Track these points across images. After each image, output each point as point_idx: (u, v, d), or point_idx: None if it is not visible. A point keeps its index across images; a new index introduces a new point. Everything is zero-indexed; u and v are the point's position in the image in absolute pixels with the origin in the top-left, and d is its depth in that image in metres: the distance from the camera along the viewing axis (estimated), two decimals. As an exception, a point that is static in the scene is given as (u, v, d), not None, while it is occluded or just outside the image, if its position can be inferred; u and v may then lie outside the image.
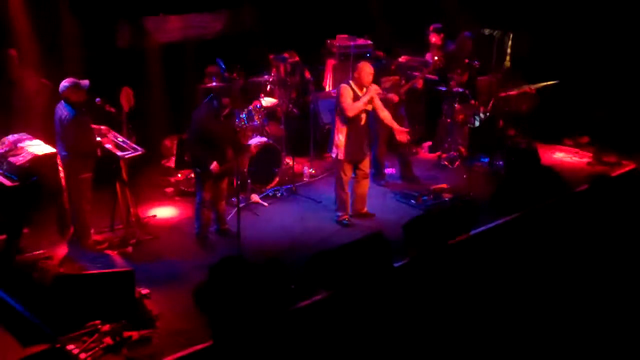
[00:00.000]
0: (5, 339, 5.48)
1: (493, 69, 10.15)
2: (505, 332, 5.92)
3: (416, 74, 9.20)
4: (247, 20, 10.95)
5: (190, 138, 7.55)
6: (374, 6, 11.18)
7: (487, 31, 11.28)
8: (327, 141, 9.03)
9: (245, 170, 8.52)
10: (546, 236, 7.41)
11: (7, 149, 7.07)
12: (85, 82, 7.08)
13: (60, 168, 7.13)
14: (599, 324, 6.00)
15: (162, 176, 9.09)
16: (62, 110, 7.01)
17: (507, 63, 11.28)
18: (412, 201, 8.66)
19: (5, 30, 8.31)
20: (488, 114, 9.58)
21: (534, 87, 9.69)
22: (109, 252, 7.31)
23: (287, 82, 9.92)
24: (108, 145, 7.30)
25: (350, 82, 7.81)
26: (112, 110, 7.45)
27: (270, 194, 8.87)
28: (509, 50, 11.29)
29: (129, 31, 9.81)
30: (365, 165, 8.08)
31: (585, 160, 10.11)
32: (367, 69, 7.71)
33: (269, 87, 9.90)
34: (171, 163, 9.06)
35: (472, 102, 9.52)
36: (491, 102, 9.56)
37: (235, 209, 7.38)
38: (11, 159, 6.94)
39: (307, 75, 9.71)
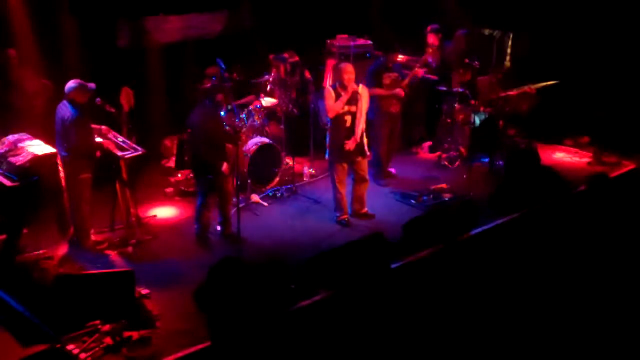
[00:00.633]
0: (5, 339, 5.48)
1: (493, 69, 10.13)
2: (505, 332, 5.92)
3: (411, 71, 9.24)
4: (247, 20, 10.95)
5: (194, 144, 7.49)
6: (374, 6, 11.19)
7: (487, 31, 11.28)
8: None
9: (245, 170, 8.53)
10: (546, 236, 7.41)
11: (7, 149, 7.08)
12: (92, 85, 7.09)
13: (60, 168, 7.14)
14: (598, 324, 6.00)
15: (162, 176, 9.10)
16: (64, 110, 7.00)
17: (507, 63, 11.28)
18: (412, 201, 8.66)
19: (5, 30, 8.31)
20: (488, 114, 9.57)
21: (534, 87, 9.68)
22: (109, 252, 7.31)
23: (287, 82, 9.91)
24: (108, 146, 7.31)
25: (337, 84, 7.85)
26: (112, 110, 7.45)
27: (270, 194, 8.87)
28: (509, 50, 11.29)
29: (129, 31, 9.80)
30: (361, 167, 8.05)
31: (585, 160, 10.11)
32: (346, 69, 7.75)
33: (269, 87, 9.90)
34: (171, 163, 9.07)
35: (472, 102, 9.52)
36: (491, 102, 9.55)
37: (235, 208, 7.38)
38: (11, 159, 6.95)
39: (307, 75, 9.70)
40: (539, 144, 10.04)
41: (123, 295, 5.97)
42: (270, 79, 9.92)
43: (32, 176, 6.85)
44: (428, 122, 10.41)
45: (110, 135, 7.47)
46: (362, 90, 7.84)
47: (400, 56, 9.84)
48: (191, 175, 8.73)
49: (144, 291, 6.36)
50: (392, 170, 9.53)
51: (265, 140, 8.84)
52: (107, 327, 5.70)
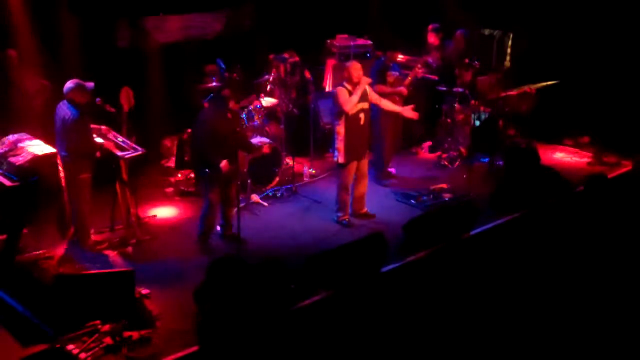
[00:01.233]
0: (5, 339, 5.48)
1: (493, 69, 10.14)
2: (505, 332, 5.91)
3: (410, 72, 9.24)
4: (247, 20, 10.95)
5: (198, 139, 7.49)
6: (373, 6, 11.19)
7: (487, 31, 11.28)
8: (327, 141, 9.03)
9: (245, 170, 8.53)
10: (546, 236, 7.40)
11: (7, 149, 7.08)
12: (91, 84, 7.08)
13: (60, 168, 7.14)
14: (598, 324, 5.99)
15: (162, 176, 9.09)
16: (64, 110, 7.00)
17: (507, 63, 11.28)
18: (412, 201, 8.66)
19: (5, 30, 8.31)
20: (488, 114, 9.58)
21: (534, 87, 9.68)
22: (109, 252, 7.32)
23: (287, 82, 9.92)
24: (108, 146, 7.31)
25: (345, 83, 7.84)
26: (112, 110, 7.45)
27: (270, 194, 8.87)
28: (509, 50, 11.29)
29: (129, 31, 9.82)
30: (364, 164, 8.08)
31: (585, 160, 10.11)
32: (355, 66, 7.77)
33: (269, 87, 9.90)
34: (171, 163, 9.07)
35: (472, 102, 9.52)
36: (491, 102, 9.56)
37: (235, 208, 7.37)
38: (11, 159, 6.95)
39: (307, 75, 9.71)
40: (539, 144, 10.02)
41: (123, 295, 5.96)
42: (270, 79, 9.93)
43: (32, 176, 6.85)
44: (428, 122, 10.41)
45: (110, 135, 7.47)
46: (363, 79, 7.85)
47: (400, 56, 9.84)
48: (191, 175, 8.74)
49: (144, 291, 6.37)
50: (392, 170, 9.54)
51: (266, 140, 8.84)
52: (107, 327, 5.69)
